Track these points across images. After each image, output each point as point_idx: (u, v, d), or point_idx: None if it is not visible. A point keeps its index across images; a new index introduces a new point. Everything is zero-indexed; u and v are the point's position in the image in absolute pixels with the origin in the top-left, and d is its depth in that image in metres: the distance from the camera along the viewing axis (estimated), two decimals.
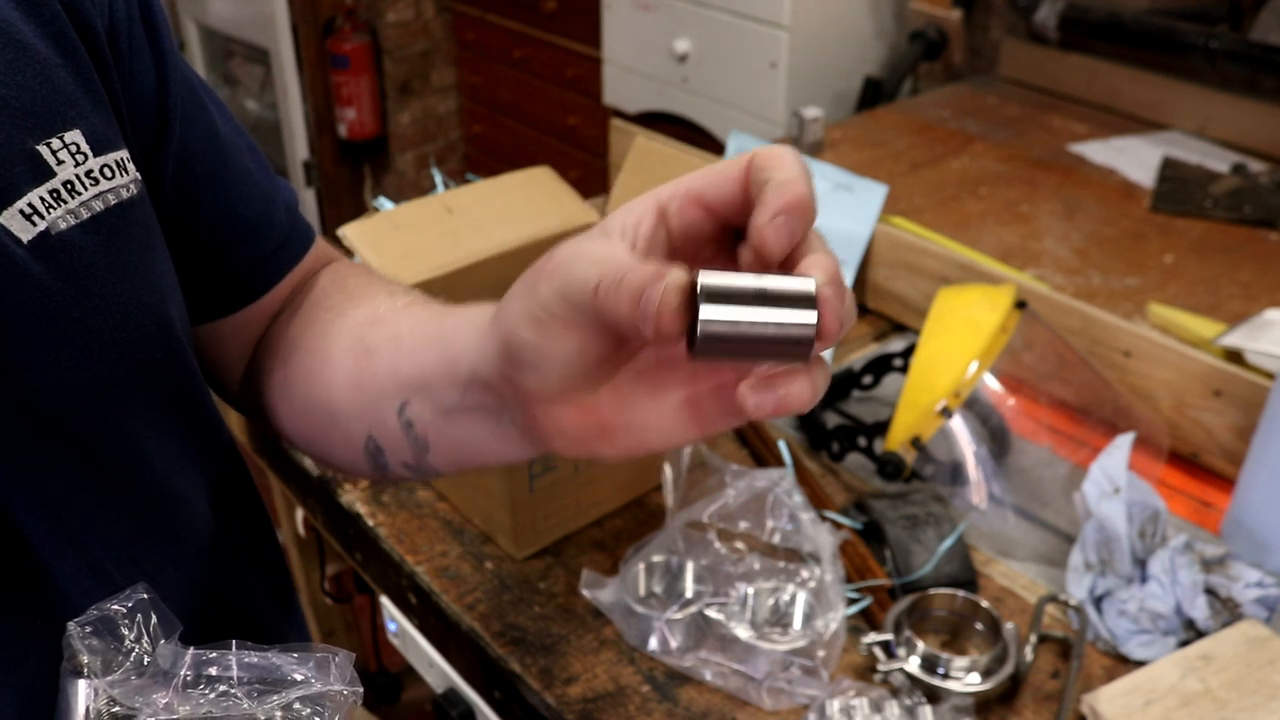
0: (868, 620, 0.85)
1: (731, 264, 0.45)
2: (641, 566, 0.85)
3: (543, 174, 1.11)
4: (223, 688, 0.46)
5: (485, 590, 0.88)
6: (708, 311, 0.40)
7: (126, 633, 0.46)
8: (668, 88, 2.21)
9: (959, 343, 0.94)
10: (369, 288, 0.66)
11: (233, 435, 0.70)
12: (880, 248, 1.21)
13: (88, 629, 0.46)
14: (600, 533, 0.94)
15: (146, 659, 0.46)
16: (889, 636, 0.79)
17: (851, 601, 0.85)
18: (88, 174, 0.52)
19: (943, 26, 1.92)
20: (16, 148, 0.49)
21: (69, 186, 0.51)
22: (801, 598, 0.82)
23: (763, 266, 0.42)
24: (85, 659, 0.45)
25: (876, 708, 0.74)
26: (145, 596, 0.47)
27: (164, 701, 0.45)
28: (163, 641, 0.47)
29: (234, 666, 0.47)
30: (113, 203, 0.53)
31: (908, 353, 1.06)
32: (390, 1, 3.02)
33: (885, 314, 1.24)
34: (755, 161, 0.44)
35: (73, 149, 0.52)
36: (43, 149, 0.50)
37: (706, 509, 0.85)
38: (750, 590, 0.82)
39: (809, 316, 0.40)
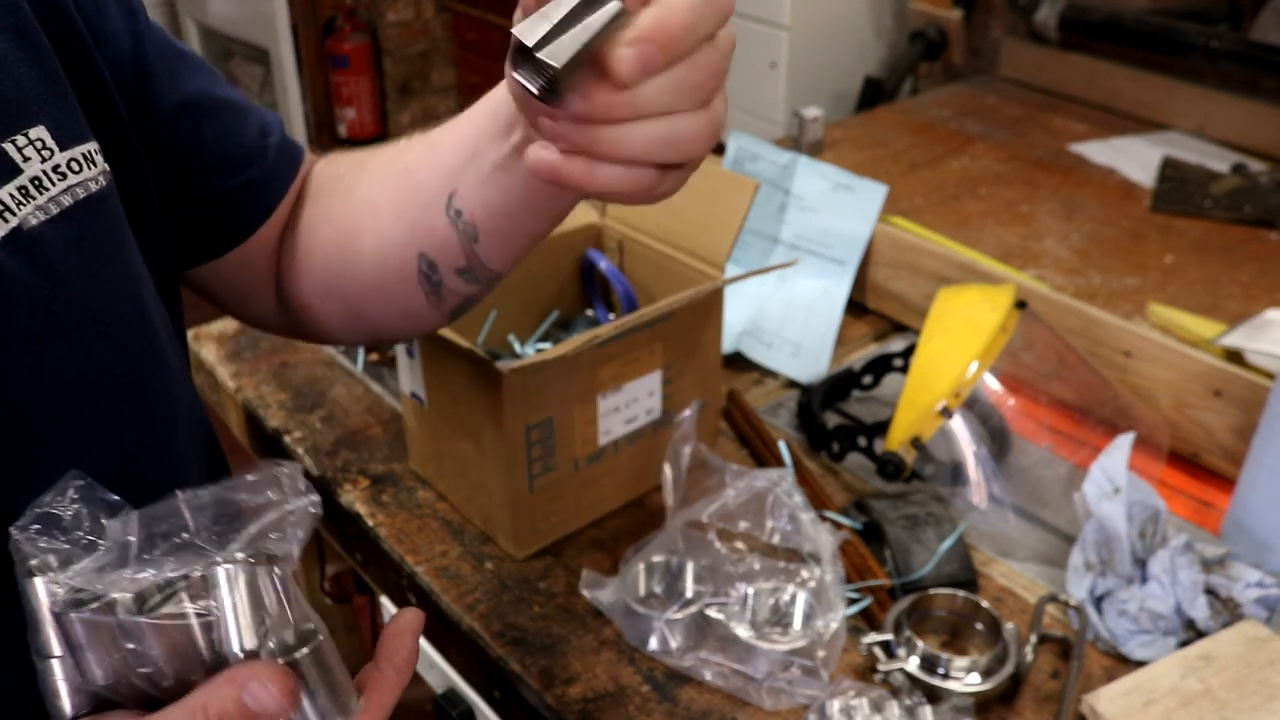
0: (868, 620, 0.85)
1: None
2: (641, 566, 0.85)
3: None
4: (178, 540, 0.45)
5: (485, 590, 0.88)
6: (545, 53, 0.42)
7: (70, 524, 0.45)
8: None
9: (959, 343, 0.94)
10: (366, 152, 0.71)
11: (215, 430, 0.70)
12: (880, 248, 1.21)
13: (32, 530, 0.44)
14: (600, 533, 0.94)
15: (99, 542, 0.45)
16: (889, 636, 0.79)
17: (852, 601, 0.85)
18: (55, 169, 0.52)
19: (943, 26, 1.92)
20: None
21: (36, 182, 0.51)
22: (801, 598, 0.82)
23: None
24: (36, 560, 0.43)
25: (877, 708, 0.74)
26: (81, 482, 0.45)
27: (127, 574, 0.43)
28: (104, 520, 0.45)
29: (185, 514, 0.46)
30: (81, 196, 0.54)
31: (908, 353, 1.06)
32: (390, 1, 3.03)
33: (885, 314, 1.24)
34: None
35: (38, 145, 0.52)
36: (8, 146, 0.50)
37: (706, 509, 0.85)
38: (750, 590, 0.82)
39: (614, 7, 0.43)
